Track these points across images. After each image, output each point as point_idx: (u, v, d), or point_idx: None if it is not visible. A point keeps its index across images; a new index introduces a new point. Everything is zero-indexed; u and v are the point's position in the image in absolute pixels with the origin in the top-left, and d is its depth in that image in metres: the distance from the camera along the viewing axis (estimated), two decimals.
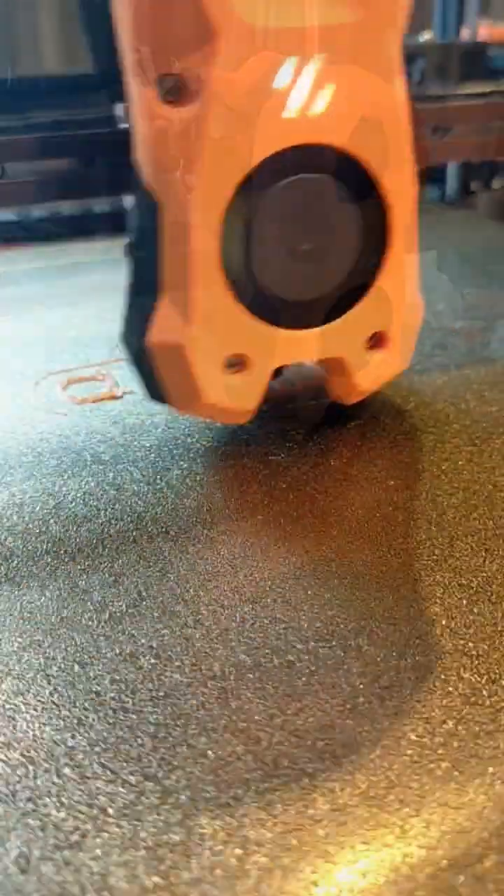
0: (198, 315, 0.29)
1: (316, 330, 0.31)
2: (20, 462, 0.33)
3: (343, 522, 0.28)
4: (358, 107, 0.28)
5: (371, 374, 0.33)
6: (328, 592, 0.25)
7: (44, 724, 0.21)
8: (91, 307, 0.49)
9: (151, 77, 0.27)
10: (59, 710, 0.21)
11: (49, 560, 0.27)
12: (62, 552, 0.27)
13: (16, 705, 0.22)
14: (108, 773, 0.20)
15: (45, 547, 0.28)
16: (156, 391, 0.31)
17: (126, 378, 0.39)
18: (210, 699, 0.21)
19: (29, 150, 0.31)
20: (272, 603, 0.25)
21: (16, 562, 0.27)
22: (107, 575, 0.26)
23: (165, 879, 0.17)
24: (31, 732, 0.21)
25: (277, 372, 0.33)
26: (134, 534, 0.28)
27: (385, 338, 0.32)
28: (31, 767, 0.20)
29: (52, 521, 0.29)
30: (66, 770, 0.20)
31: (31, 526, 0.29)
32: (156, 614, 0.24)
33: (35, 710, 0.21)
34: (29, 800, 0.19)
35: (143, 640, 0.24)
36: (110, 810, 0.19)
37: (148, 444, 0.34)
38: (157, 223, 0.28)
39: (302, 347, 0.31)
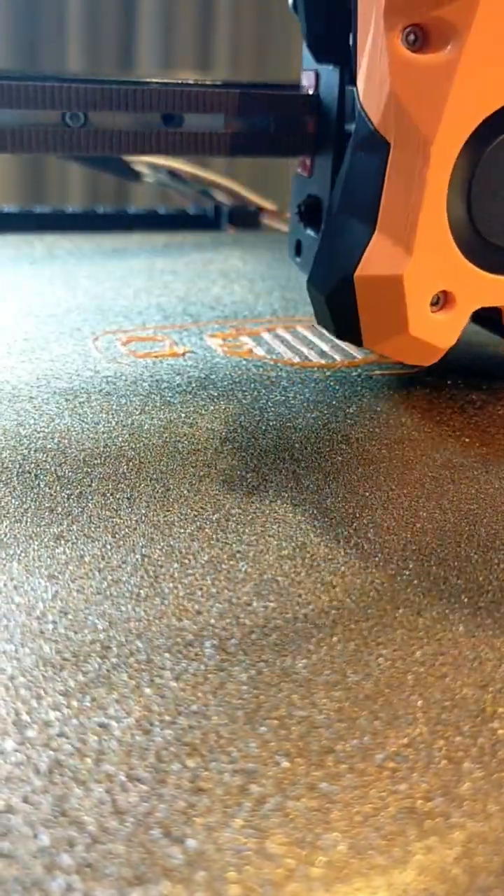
0: (419, 249, 0.31)
1: None
2: (88, 399, 0.33)
3: None
4: None
5: None
6: None
7: None
8: (139, 284, 0.49)
9: (399, 26, 0.29)
10: None
11: (133, 478, 0.27)
12: (141, 473, 0.27)
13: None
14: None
15: (125, 469, 0.27)
16: (349, 328, 0.33)
17: (185, 340, 0.40)
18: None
19: (210, 103, 0.35)
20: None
21: (96, 482, 0.27)
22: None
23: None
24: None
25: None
26: (215, 459, 0.28)
27: None
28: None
29: (128, 449, 0.29)
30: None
31: (110, 451, 0.29)
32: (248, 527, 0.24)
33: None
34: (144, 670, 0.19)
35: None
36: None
37: (216, 394, 0.34)
38: (383, 164, 0.30)
39: (500, 292, 0.33)
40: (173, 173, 0.67)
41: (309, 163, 0.37)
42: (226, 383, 0.35)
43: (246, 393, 0.34)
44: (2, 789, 0.15)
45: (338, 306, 0.33)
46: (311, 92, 0.36)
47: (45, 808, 0.15)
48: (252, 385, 0.35)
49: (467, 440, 0.31)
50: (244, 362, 0.37)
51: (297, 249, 0.39)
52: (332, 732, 0.17)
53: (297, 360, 0.38)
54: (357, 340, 0.33)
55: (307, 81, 0.36)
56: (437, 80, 0.29)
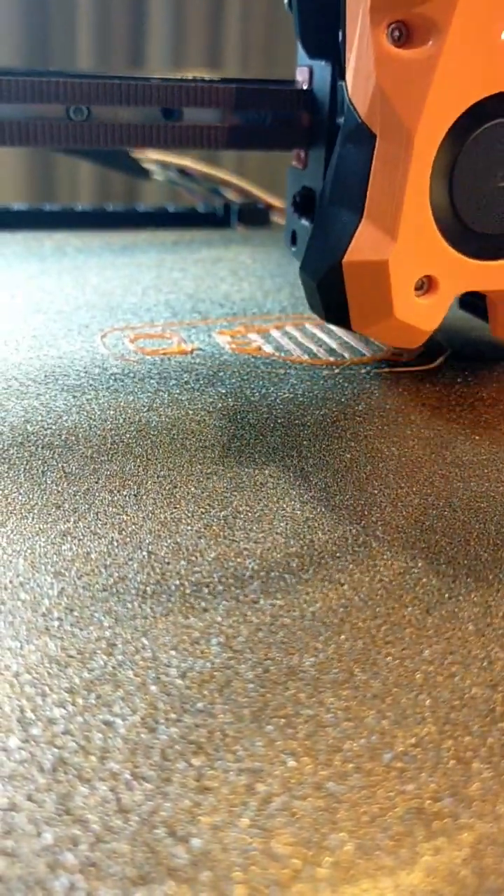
0: (403, 235, 0.32)
1: (498, 262, 0.34)
2: (96, 396, 0.32)
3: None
4: None
5: None
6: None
7: None
8: (148, 281, 0.49)
9: (384, 23, 0.30)
10: None
11: (138, 469, 0.27)
12: (149, 470, 0.27)
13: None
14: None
15: (132, 466, 0.27)
16: (338, 311, 0.34)
17: (193, 337, 0.39)
18: None
19: (208, 98, 0.36)
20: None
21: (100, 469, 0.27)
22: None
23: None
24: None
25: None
26: (221, 453, 0.28)
27: None
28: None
29: (136, 446, 0.29)
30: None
31: (118, 447, 0.28)
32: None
33: None
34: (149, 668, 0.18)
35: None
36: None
37: (224, 391, 0.34)
38: (370, 154, 0.32)
39: (483, 277, 0.35)
40: (183, 171, 0.67)
41: (303, 155, 0.38)
42: (234, 381, 0.35)
43: (254, 390, 0.34)
44: (6, 787, 0.15)
45: (328, 292, 0.34)
46: (305, 87, 0.37)
47: (48, 805, 0.15)
48: (260, 382, 0.35)
49: (477, 438, 0.30)
50: (253, 359, 0.37)
51: (293, 239, 0.40)
52: (340, 731, 0.17)
53: (305, 357, 0.37)
54: (346, 324, 0.35)
55: (301, 77, 0.37)
56: (420, 73, 0.30)
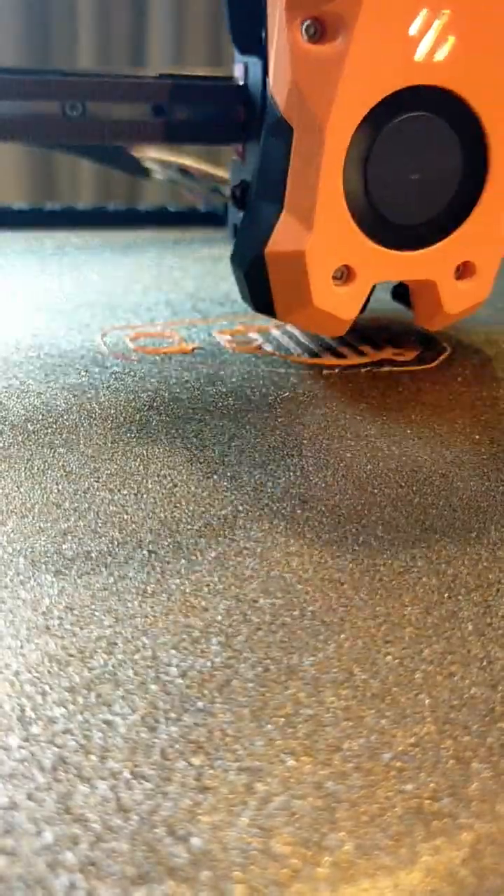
0: (319, 226, 0.33)
1: (414, 252, 0.35)
2: (97, 395, 0.32)
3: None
4: (475, 58, 0.33)
5: (457, 301, 0.37)
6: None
7: None
8: (149, 280, 0.49)
9: (298, 20, 0.31)
10: None
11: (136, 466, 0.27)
12: (149, 469, 0.27)
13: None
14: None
15: (132, 465, 0.27)
16: (263, 300, 0.36)
17: (193, 336, 0.40)
18: None
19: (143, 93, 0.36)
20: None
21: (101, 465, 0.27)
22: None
23: None
24: None
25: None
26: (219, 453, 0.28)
27: (472, 268, 0.36)
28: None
29: (136, 445, 0.29)
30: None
31: (118, 447, 0.28)
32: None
33: None
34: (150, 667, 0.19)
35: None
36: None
37: (225, 390, 0.34)
38: (288, 147, 0.33)
39: (400, 267, 0.35)
40: (183, 170, 0.67)
41: (241, 149, 0.38)
42: (234, 379, 0.35)
43: (254, 389, 0.34)
44: (6, 786, 0.15)
45: (253, 281, 0.35)
46: (241, 83, 0.37)
47: (49, 805, 0.15)
48: (260, 381, 0.35)
49: (477, 437, 0.30)
50: (253, 358, 0.37)
51: (234, 232, 0.40)
52: (339, 731, 0.17)
53: (306, 356, 0.37)
54: (272, 313, 0.36)
55: (238, 73, 0.38)
56: (330, 68, 0.31)
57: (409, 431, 0.31)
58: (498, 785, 0.16)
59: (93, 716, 0.17)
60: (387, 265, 0.35)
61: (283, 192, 0.33)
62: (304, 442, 0.30)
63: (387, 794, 0.15)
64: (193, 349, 0.38)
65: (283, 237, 0.34)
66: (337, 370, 0.36)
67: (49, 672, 0.18)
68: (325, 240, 0.33)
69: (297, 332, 0.40)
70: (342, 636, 0.20)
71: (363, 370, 0.36)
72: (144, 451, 0.28)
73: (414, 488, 0.27)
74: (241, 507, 0.25)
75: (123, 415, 0.31)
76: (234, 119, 0.37)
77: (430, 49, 0.32)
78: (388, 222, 0.34)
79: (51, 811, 0.15)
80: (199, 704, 0.17)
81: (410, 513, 0.25)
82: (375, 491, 0.27)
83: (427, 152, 0.34)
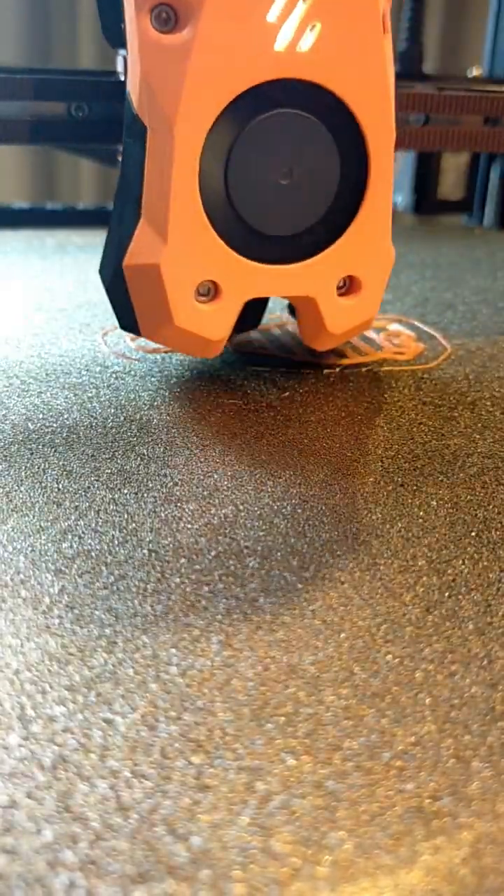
0: (174, 237, 0.30)
1: (289, 267, 0.32)
2: (97, 394, 0.32)
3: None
4: (345, 48, 0.29)
5: (341, 320, 0.33)
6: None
7: None
8: None
9: (147, 6, 0.28)
10: None
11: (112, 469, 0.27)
12: (150, 468, 0.27)
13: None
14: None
15: (133, 464, 0.27)
16: (128, 319, 0.32)
17: None
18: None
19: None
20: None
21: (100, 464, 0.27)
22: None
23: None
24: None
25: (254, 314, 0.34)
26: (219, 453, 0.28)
27: (357, 283, 0.33)
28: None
29: (137, 444, 0.29)
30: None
31: (119, 446, 0.28)
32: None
33: None
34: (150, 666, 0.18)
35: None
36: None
37: (226, 390, 0.33)
38: (143, 148, 0.29)
39: (273, 282, 0.32)
40: None
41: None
42: (235, 379, 0.35)
43: (255, 389, 0.34)
44: (6, 784, 0.15)
45: (115, 296, 0.32)
46: (122, 78, 0.34)
47: (48, 803, 0.15)
48: (261, 380, 0.35)
49: (478, 436, 0.30)
50: (254, 358, 0.37)
51: None
52: (339, 730, 0.17)
53: (306, 355, 0.37)
54: (137, 331, 0.32)
55: (119, 67, 0.34)
56: (178, 59, 0.28)
57: (408, 430, 0.31)
58: (498, 784, 0.16)
59: (93, 714, 0.17)
60: (258, 280, 0.31)
61: (141, 199, 0.30)
62: (305, 441, 0.30)
63: (387, 794, 0.15)
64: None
65: (141, 249, 0.30)
66: (338, 370, 0.36)
67: (49, 671, 0.18)
68: (182, 252, 0.30)
69: (298, 332, 0.40)
70: (342, 635, 0.20)
71: (364, 370, 0.36)
72: (145, 451, 0.28)
73: (414, 487, 0.27)
74: (241, 507, 0.25)
75: (124, 414, 0.31)
76: (117, 118, 0.33)
77: (293, 38, 0.29)
78: (255, 233, 0.31)
79: (51, 809, 0.15)
80: (199, 703, 0.17)
81: (411, 511, 0.25)
82: (375, 490, 0.26)
83: (297, 154, 0.30)
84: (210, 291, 0.31)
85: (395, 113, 0.31)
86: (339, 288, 0.33)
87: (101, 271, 0.33)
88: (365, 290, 0.33)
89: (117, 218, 0.31)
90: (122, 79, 0.34)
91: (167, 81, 0.28)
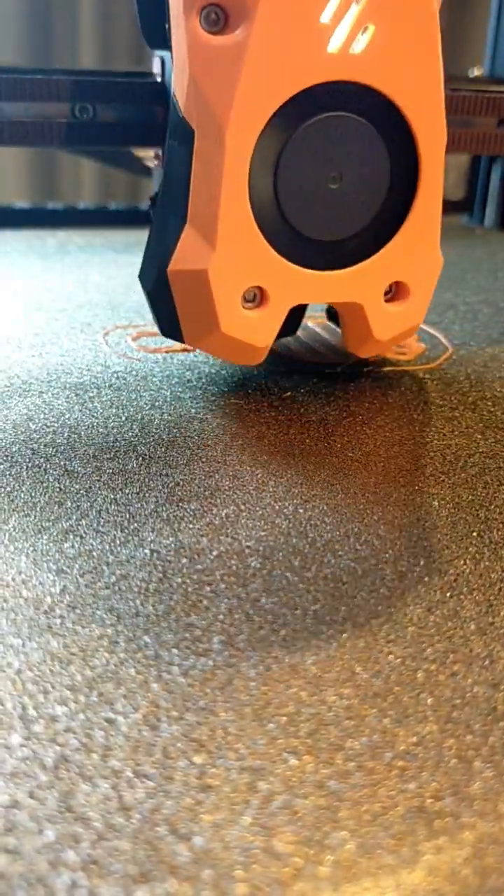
0: (222, 242, 0.29)
1: (336, 272, 0.31)
2: (98, 394, 0.32)
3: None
4: (399, 50, 0.29)
5: (388, 326, 0.33)
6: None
7: None
8: None
9: (197, 6, 0.27)
10: None
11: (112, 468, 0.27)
12: (151, 468, 0.27)
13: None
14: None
15: (134, 464, 0.27)
16: (171, 325, 0.31)
17: None
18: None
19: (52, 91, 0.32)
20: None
21: (105, 464, 0.27)
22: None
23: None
24: None
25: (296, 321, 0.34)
26: (223, 456, 0.28)
27: (405, 289, 0.33)
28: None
29: (138, 444, 0.29)
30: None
31: (120, 445, 0.28)
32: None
33: None
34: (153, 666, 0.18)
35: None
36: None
37: (227, 389, 0.34)
38: (191, 152, 0.29)
39: (321, 288, 0.31)
40: None
41: (161, 154, 0.34)
42: (236, 379, 0.35)
43: (256, 388, 0.34)
44: (8, 784, 0.15)
45: (158, 303, 0.31)
46: (158, 80, 0.33)
47: (50, 803, 0.15)
48: (262, 380, 0.35)
49: (479, 437, 0.30)
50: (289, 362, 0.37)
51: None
52: (341, 730, 0.17)
53: (308, 356, 0.37)
54: (180, 338, 0.32)
55: (156, 69, 0.34)
56: (230, 62, 0.27)
57: (410, 430, 0.31)
58: (500, 784, 0.16)
59: (95, 714, 0.17)
60: (304, 286, 0.31)
61: (187, 204, 0.29)
62: (307, 441, 0.30)
63: (389, 794, 0.15)
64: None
65: (187, 254, 0.30)
66: (339, 369, 0.36)
67: (51, 670, 0.18)
68: (230, 258, 0.29)
69: (299, 332, 0.40)
70: (344, 635, 0.20)
71: (365, 370, 0.36)
72: (146, 450, 0.28)
73: (416, 487, 0.27)
74: (242, 506, 0.25)
75: (125, 414, 0.31)
76: (152, 120, 0.33)
77: (346, 40, 0.28)
78: (303, 238, 0.31)
79: (52, 809, 0.15)
80: (201, 703, 0.17)
81: (413, 512, 0.25)
82: (378, 490, 0.26)
83: (348, 159, 0.30)
84: (256, 297, 0.31)
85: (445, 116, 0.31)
86: (385, 294, 0.32)
87: (140, 276, 0.32)
88: (413, 297, 0.33)
89: (160, 222, 0.31)
90: (159, 80, 0.33)
91: (218, 84, 0.28)
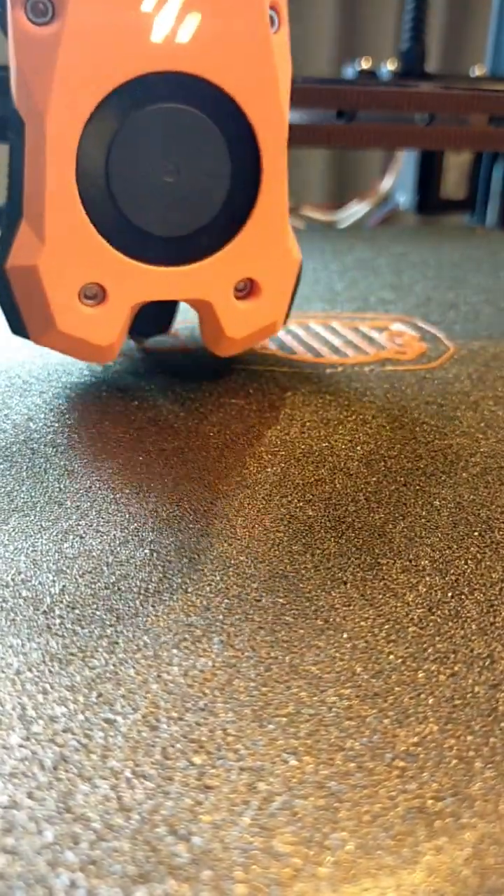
0: (51, 237, 0.28)
1: (181, 269, 0.30)
2: (99, 394, 0.32)
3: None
4: (228, 40, 0.28)
5: (240, 324, 0.32)
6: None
7: None
8: None
9: None
10: None
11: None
12: (152, 467, 0.27)
13: None
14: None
15: (134, 464, 0.27)
16: (17, 323, 0.31)
17: (196, 335, 0.39)
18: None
19: None
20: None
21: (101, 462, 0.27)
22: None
23: None
24: None
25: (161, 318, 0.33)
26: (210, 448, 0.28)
27: (256, 286, 0.32)
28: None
29: (138, 442, 0.29)
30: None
31: (118, 442, 0.28)
32: None
33: None
34: (152, 667, 0.18)
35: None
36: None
37: (228, 389, 0.33)
38: (23, 144, 0.28)
39: (165, 285, 0.30)
40: None
41: None
42: (237, 378, 0.35)
43: (257, 388, 0.34)
44: (7, 784, 0.15)
45: (3, 300, 0.30)
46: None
47: (49, 803, 0.15)
48: (263, 380, 0.35)
49: (480, 436, 0.30)
50: (256, 358, 0.37)
51: None
52: (341, 730, 0.17)
53: (309, 355, 0.37)
54: (26, 335, 0.31)
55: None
56: (48, 51, 0.27)
57: (411, 430, 0.31)
58: (501, 784, 0.16)
59: (94, 715, 0.17)
60: (147, 283, 0.30)
61: (22, 198, 0.29)
62: (307, 440, 0.29)
63: (389, 794, 0.15)
64: (197, 348, 0.38)
65: (21, 250, 0.29)
66: (340, 369, 0.36)
67: (50, 671, 0.18)
68: (61, 253, 0.29)
69: (300, 332, 0.40)
70: (344, 635, 0.20)
71: (366, 369, 0.36)
72: (146, 450, 0.28)
73: (417, 487, 0.27)
74: (243, 507, 0.25)
75: (126, 413, 0.31)
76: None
77: (172, 29, 0.27)
78: (143, 233, 0.30)
79: (51, 810, 0.15)
80: (201, 703, 0.17)
81: (413, 511, 0.25)
82: (378, 490, 0.26)
83: (185, 151, 0.29)
84: (98, 295, 0.30)
85: (287, 109, 0.30)
86: (239, 291, 0.32)
87: None
88: (265, 294, 0.32)
89: (6, 217, 0.30)
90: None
91: (39, 74, 0.27)
